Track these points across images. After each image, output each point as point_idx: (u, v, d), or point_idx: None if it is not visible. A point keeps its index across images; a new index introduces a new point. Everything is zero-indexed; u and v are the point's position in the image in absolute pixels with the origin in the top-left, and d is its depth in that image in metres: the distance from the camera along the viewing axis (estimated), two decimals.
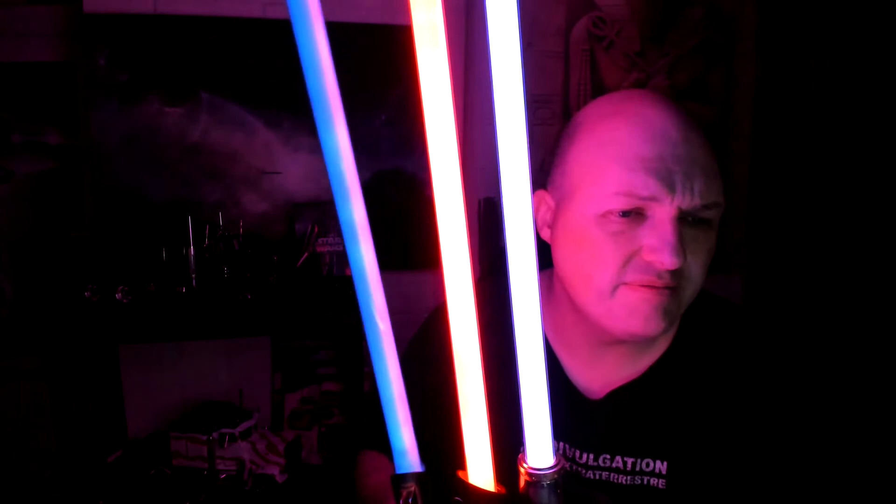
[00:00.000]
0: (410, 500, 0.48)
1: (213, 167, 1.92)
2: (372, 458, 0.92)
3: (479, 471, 0.48)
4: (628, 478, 0.75)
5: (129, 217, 1.87)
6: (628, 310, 0.69)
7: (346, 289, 1.80)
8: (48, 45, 1.90)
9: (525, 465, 0.47)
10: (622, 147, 0.68)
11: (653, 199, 0.66)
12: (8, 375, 2.01)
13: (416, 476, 0.48)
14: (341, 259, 1.88)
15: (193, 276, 1.66)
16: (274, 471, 1.72)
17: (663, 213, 0.66)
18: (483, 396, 0.46)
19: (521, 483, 0.48)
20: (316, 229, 1.90)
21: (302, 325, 1.79)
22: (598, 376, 0.79)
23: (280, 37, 1.90)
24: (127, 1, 1.81)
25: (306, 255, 1.87)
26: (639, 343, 0.76)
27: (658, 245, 0.65)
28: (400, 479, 0.49)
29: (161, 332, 1.69)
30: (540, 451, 0.47)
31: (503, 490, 0.48)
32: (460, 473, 0.49)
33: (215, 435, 1.73)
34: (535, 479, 0.47)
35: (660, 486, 0.74)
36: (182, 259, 1.66)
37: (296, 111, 1.94)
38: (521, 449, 0.46)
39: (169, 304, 1.63)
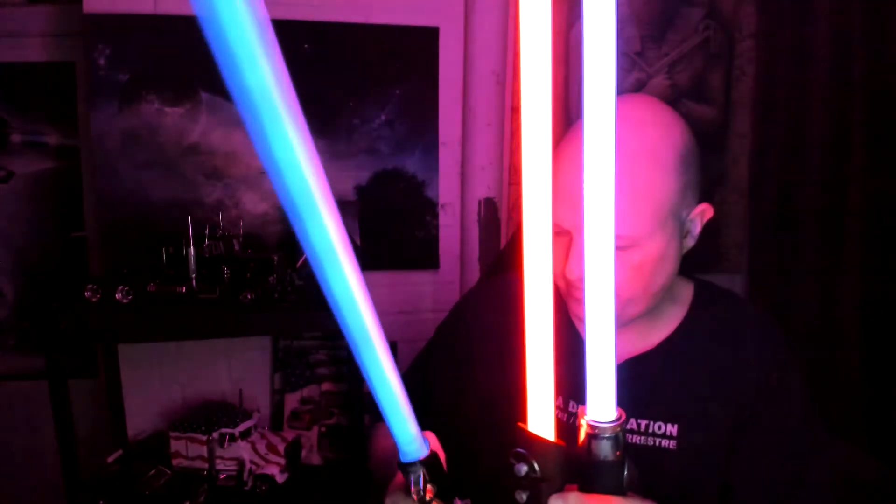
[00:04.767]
0: (421, 482, 0.55)
1: (213, 167, 1.92)
2: (386, 428, 0.96)
3: (541, 422, 0.50)
4: (642, 438, 0.81)
5: (129, 217, 1.87)
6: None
7: None
8: (48, 45, 1.90)
9: (586, 418, 0.49)
10: (558, 178, 0.71)
11: (574, 229, 0.74)
12: (8, 375, 2.01)
13: (421, 461, 0.54)
14: None
15: (193, 276, 1.66)
16: (274, 471, 1.72)
17: (579, 240, 0.74)
18: (551, 352, 0.49)
19: (582, 437, 0.49)
20: None
21: (302, 325, 1.79)
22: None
23: (280, 37, 1.90)
24: (127, 1, 1.81)
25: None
26: (642, 320, 0.82)
27: (573, 267, 0.75)
28: (407, 466, 0.54)
29: (161, 332, 1.69)
30: (602, 405, 0.49)
31: (562, 442, 0.51)
32: (521, 425, 0.51)
33: (215, 435, 1.73)
34: (598, 431, 0.48)
35: (671, 447, 0.80)
36: (182, 259, 1.66)
37: None
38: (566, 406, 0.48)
39: (169, 304, 1.63)
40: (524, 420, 0.51)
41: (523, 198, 0.47)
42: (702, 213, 0.79)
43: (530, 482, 0.51)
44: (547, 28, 0.42)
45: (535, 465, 0.50)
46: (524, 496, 0.51)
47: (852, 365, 1.93)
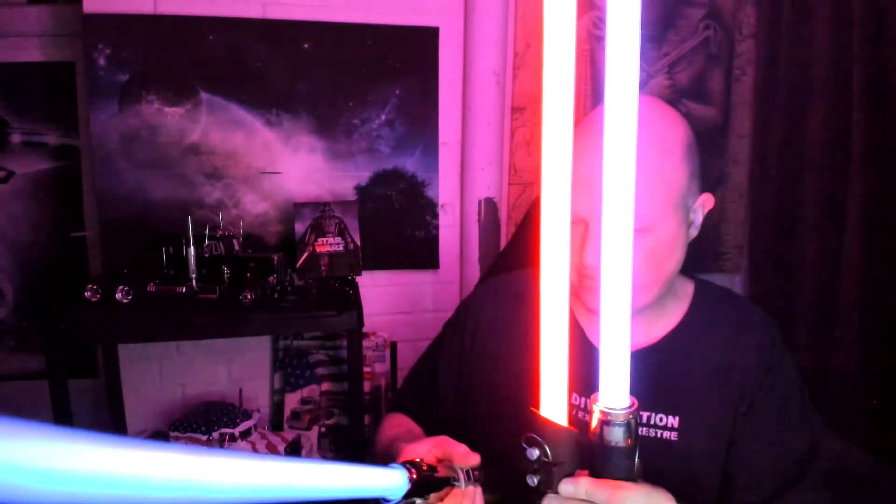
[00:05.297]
0: None
1: (213, 167, 1.92)
2: (396, 416, 1.00)
3: (555, 408, 0.51)
4: (644, 430, 0.82)
5: (129, 217, 1.87)
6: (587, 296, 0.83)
7: (346, 289, 1.80)
8: (48, 45, 1.90)
9: (598, 405, 0.50)
10: (576, 167, 0.71)
11: (590, 217, 0.75)
12: (8, 375, 2.01)
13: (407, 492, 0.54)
14: (340, 259, 1.88)
15: (193, 276, 1.66)
16: None
17: (595, 228, 0.75)
18: (566, 339, 0.50)
19: (594, 423, 0.50)
20: (315, 229, 1.90)
21: (302, 325, 1.79)
22: None
23: (280, 37, 1.90)
24: (127, 1, 1.81)
25: (306, 255, 1.87)
26: (645, 315, 0.84)
27: (590, 255, 0.76)
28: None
29: (161, 332, 1.69)
30: (616, 393, 0.49)
31: (575, 430, 0.51)
32: (534, 410, 0.52)
33: (215, 435, 1.73)
34: (611, 418, 0.49)
35: (672, 438, 0.81)
36: (182, 259, 1.66)
37: (296, 111, 1.95)
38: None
39: (169, 304, 1.63)
40: (536, 406, 0.51)
41: (542, 193, 0.48)
42: (704, 203, 0.83)
43: (542, 466, 0.51)
44: (571, 19, 0.43)
45: (548, 450, 0.51)
46: (535, 480, 0.52)
47: (852, 365, 1.93)
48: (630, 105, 0.43)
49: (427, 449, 0.65)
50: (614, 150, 0.45)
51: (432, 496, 0.58)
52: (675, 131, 0.79)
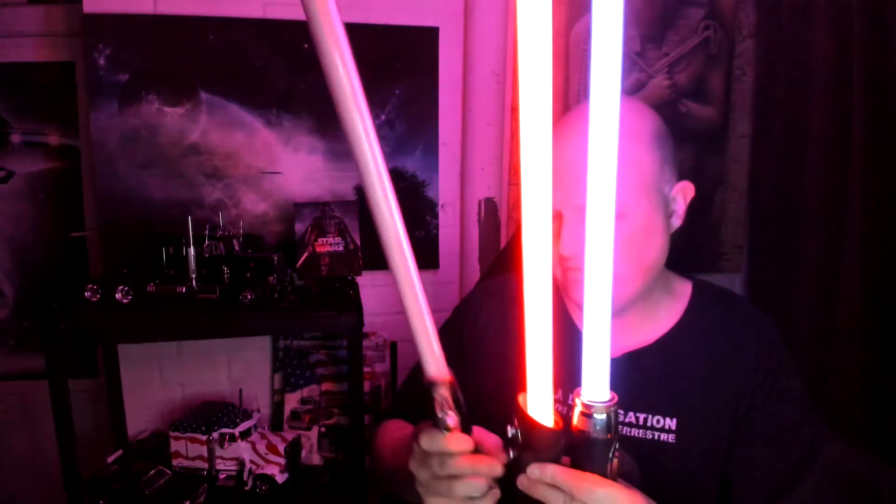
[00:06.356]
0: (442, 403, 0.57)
1: (213, 167, 1.92)
2: (395, 422, 1.00)
3: (538, 403, 0.52)
4: (641, 432, 0.82)
5: (129, 217, 1.87)
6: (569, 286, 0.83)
7: (346, 289, 1.80)
8: (48, 45, 1.90)
9: (580, 398, 0.51)
10: (555, 159, 0.73)
11: (564, 207, 0.77)
12: (8, 375, 2.01)
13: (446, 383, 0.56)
14: (340, 259, 1.88)
15: (193, 276, 1.66)
16: (274, 471, 1.72)
17: (570, 217, 0.78)
18: (550, 337, 0.51)
19: (575, 417, 0.51)
20: (315, 229, 1.90)
21: (302, 325, 1.79)
22: (612, 340, 0.85)
23: (280, 37, 1.90)
24: (127, 1, 1.81)
25: (306, 255, 1.87)
26: (641, 314, 0.85)
27: (566, 244, 0.78)
28: (431, 384, 0.57)
29: (161, 332, 1.69)
30: (596, 386, 0.50)
31: (560, 425, 0.52)
32: (520, 398, 0.53)
33: (215, 435, 1.73)
34: (590, 410, 0.50)
35: (670, 440, 0.81)
36: (182, 259, 1.66)
37: (296, 111, 1.95)
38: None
39: (169, 304, 1.63)
40: (524, 391, 0.53)
41: (522, 194, 0.49)
42: (683, 190, 0.83)
43: (517, 446, 0.54)
44: (547, 18, 0.43)
45: (518, 435, 0.53)
46: (511, 453, 0.55)
47: (853, 365, 1.93)
48: (612, 95, 0.44)
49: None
50: (599, 142, 0.46)
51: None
52: (641, 119, 0.79)
